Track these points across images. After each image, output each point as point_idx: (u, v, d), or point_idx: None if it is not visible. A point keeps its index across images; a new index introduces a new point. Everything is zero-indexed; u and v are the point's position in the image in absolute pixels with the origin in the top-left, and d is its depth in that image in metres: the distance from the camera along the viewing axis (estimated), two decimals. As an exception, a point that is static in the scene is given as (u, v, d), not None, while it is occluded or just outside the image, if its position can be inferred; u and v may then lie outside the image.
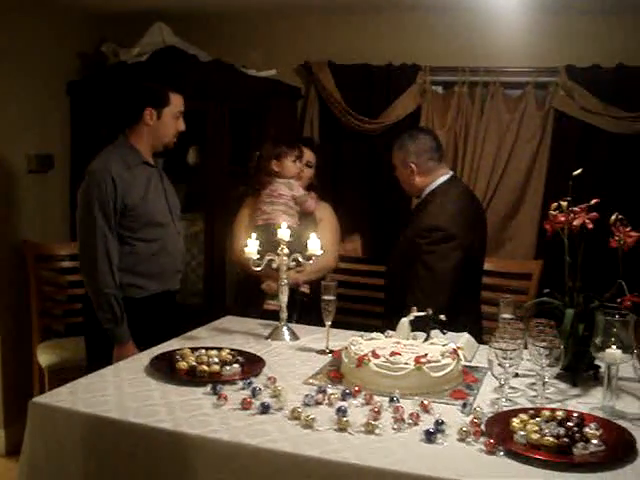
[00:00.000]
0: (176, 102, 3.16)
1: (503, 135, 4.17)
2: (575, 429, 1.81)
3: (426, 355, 2.22)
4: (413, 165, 3.24)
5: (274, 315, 2.93)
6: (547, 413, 1.92)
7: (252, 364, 2.39)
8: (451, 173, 3.33)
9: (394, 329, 2.57)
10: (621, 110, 3.92)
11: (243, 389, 2.16)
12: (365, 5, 4.17)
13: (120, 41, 4.46)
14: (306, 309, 3.37)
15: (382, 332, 2.57)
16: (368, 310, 4.06)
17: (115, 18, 4.55)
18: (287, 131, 4.30)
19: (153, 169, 3.20)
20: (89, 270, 3.02)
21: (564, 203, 2.40)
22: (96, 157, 3.10)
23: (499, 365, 2.07)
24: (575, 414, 1.92)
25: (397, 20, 4.30)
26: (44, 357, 3.96)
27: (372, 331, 2.61)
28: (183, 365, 2.31)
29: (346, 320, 3.43)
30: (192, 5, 4.27)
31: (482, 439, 1.81)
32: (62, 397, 2.10)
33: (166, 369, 2.32)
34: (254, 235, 2.86)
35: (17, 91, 4.05)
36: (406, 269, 3.16)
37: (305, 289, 3.42)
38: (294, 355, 2.62)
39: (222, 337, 2.82)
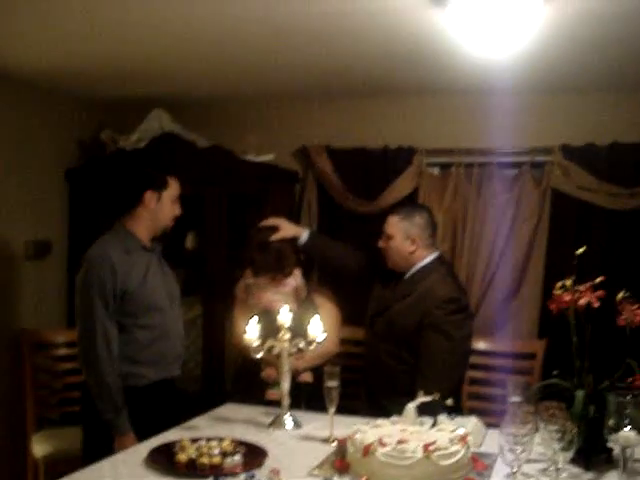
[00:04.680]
0: (174, 186, 3.19)
1: (501, 215, 4.17)
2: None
3: (434, 442, 2.15)
4: (417, 238, 3.24)
5: (278, 403, 2.85)
6: (563, 501, 1.85)
7: (254, 455, 2.32)
8: (439, 252, 3.37)
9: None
10: (617, 187, 3.94)
11: (246, 482, 2.09)
12: (360, 90, 4.23)
13: (119, 127, 4.50)
14: (311, 396, 3.26)
15: (384, 417, 2.48)
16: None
17: (114, 105, 4.62)
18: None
19: (152, 254, 3.18)
20: (88, 358, 2.96)
21: (568, 282, 2.38)
22: (93, 245, 3.08)
23: (510, 451, 2.01)
24: (592, 501, 1.85)
25: (392, 104, 4.36)
26: (39, 447, 3.84)
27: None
28: (183, 458, 2.23)
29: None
30: (190, 91, 4.33)
31: (497, 531, 1.74)
32: (58, 493, 2.02)
33: (165, 462, 2.24)
34: (255, 320, 2.80)
35: (16, 177, 4.07)
36: (402, 344, 3.17)
37: (307, 378, 3.34)
38: (297, 444, 2.55)
39: (222, 426, 2.75)
